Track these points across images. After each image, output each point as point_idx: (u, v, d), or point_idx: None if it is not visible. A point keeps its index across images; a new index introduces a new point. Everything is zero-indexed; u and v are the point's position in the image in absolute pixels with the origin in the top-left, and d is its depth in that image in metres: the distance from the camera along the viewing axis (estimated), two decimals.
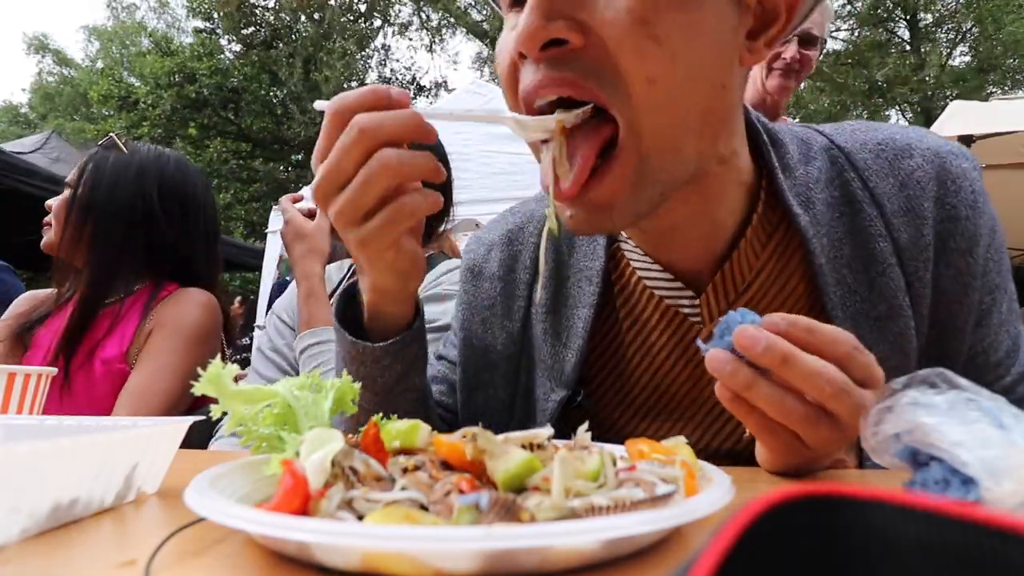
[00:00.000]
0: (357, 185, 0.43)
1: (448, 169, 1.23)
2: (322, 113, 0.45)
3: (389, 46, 15.37)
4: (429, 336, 0.94)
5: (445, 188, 1.23)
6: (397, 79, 15.82)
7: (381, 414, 0.43)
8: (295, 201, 1.11)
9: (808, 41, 1.59)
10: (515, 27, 0.45)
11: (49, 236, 1.14)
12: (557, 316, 0.60)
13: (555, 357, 0.60)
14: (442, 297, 1.04)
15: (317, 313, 1.00)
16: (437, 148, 1.21)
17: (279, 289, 4.64)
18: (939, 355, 0.53)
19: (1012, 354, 0.55)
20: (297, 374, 1.12)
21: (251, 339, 4.78)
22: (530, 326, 0.62)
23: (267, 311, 4.54)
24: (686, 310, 0.56)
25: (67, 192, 1.14)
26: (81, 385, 1.07)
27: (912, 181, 0.52)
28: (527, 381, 0.63)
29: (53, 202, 1.16)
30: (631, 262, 0.58)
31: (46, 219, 1.15)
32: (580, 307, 0.59)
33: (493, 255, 0.68)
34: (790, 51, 1.58)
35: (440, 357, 0.74)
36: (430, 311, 1.00)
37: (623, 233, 0.58)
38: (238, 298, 7.08)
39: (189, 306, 1.14)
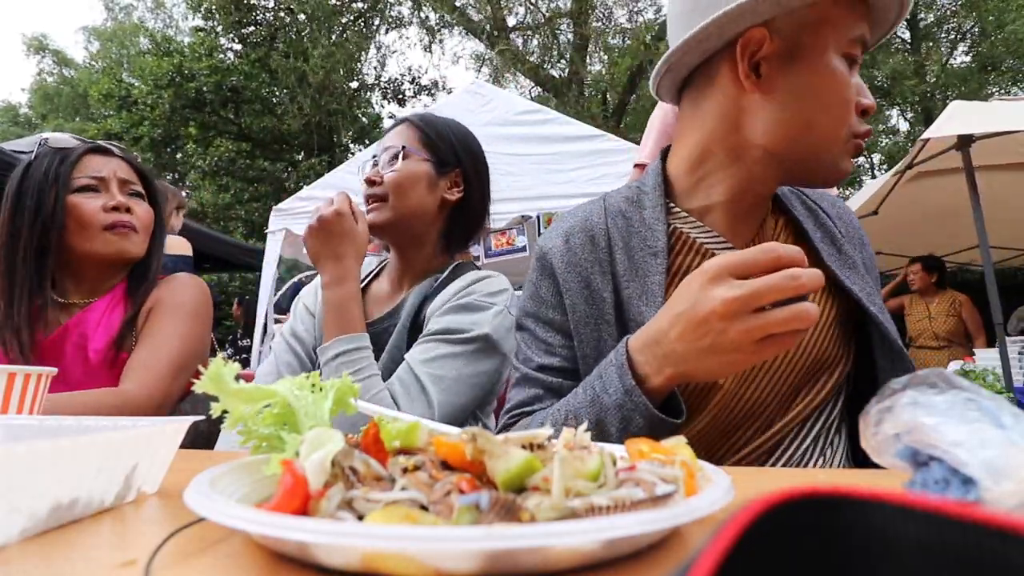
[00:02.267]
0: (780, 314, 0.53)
1: (488, 182, 1.18)
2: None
3: (387, 45, 15.35)
4: (460, 347, 0.97)
5: (482, 203, 1.16)
6: (396, 79, 15.81)
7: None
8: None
9: None
10: (855, 81, 0.70)
11: (136, 244, 1.18)
12: (637, 282, 0.75)
13: (642, 315, 0.72)
14: (474, 307, 1.01)
15: (354, 318, 0.96)
16: (477, 153, 1.16)
17: (294, 290, 4.61)
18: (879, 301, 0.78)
19: None
20: (312, 362, 1.10)
21: (252, 340, 4.77)
22: (620, 292, 0.75)
23: (267, 311, 4.55)
24: None
25: (146, 204, 1.22)
26: (79, 377, 1.08)
27: (838, 204, 0.87)
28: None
29: (141, 215, 1.19)
30: (690, 233, 0.78)
31: (127, 222, 1.15)
32: (652, 275, 0.74)
33: (574, 240, 0.80)
34: None
35: (545, 368, 0.78)
36: (462, 320, 0.99)
37: (683, 214, 0.79)
38: (236, 299, 7.07)
39: (181, 286, 1.22)
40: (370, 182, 1.09)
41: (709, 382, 0.72)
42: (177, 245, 2.86)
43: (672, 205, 0.80)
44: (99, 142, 1.22)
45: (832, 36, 0.68)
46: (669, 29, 0.79)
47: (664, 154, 0.84)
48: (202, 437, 1.11)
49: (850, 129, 0.70)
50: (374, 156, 1.14)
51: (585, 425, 0.40)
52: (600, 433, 0.63)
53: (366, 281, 1.19)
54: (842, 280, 0.75)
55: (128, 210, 1.17)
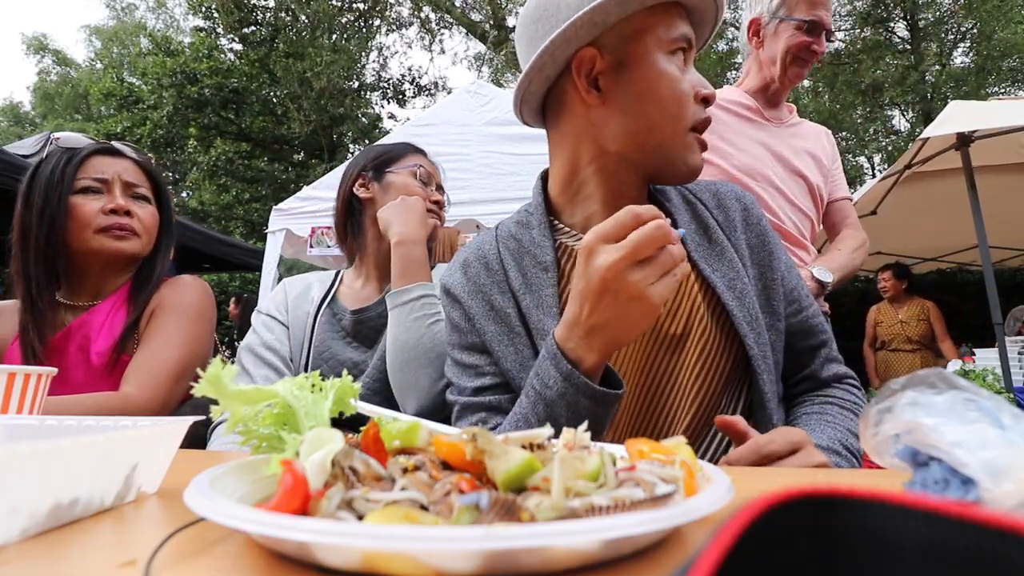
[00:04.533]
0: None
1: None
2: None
3: (388, 45, 15.34)
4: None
5: None
6: (396, 79, 15.81)
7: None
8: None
9: (822, 31, 1.61)
10: (690, 76, 0.77)
11: (134, 245, 1.18)
12: (532, 295, 0.80)
13: (542, 323, 0.78)
14: None
15: (427, 272, 1.10)
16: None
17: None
18: (766, 283, 0.83)
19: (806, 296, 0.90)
20: (290, 371, 1.13)
21: None
22: (520, 305, 0.81)
23: None
24: None
25: (151, 207, 1.22)
26: (80, 379, 1.08)
27: (721, 193, 0.89)
28: (535, 350, 0.79)
29: (145, 218, 1.19)
30: (574, 247, 0.82)
31: (126, 225, 1.15)
32: (544, 288, 0.80)
33: (471, 269, 0.85)
34: (820, 44, 1.59)
35: (481, 390, 0.82)
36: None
37: (567, 230, 0.84)
38: (233, 298, 7.05)
39: (184, 288, 1.21)
40: (439, 204, 1.26)
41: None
42: None
43: (556, 222, 0.86)
44: (107, 142, 1.22)
45: (653, 41, 0.75)
46: (520, 62, 0.85)
47: (545, 177, 0.90)
48: (202, 442, 1.11)
49: (689, 121, 0.77)
50: (420, 167, 1.25)
51: (585, 426, 0.41)
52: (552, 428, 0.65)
53: (335, 288, 1.25)
54: (702, 268, 0.80)
55: (128, 213, 1.16)
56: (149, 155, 1.29)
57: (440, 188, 1.30)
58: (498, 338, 0.81)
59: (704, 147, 0.80)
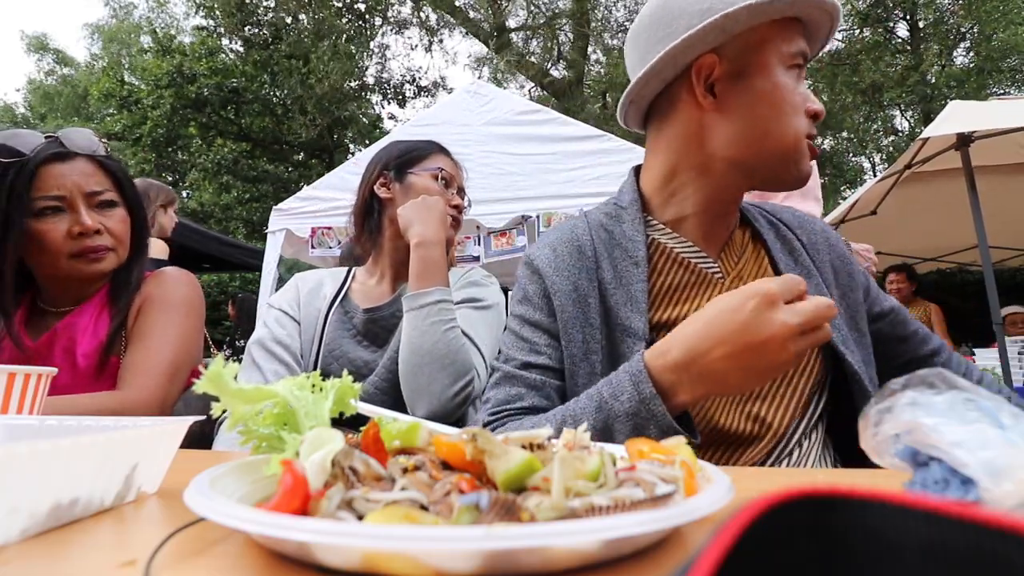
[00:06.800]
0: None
1: None
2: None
3: (388, 46, 15.33)
4: (484, 312, 1.17)
5: None
6: (396, 79, 15.81)
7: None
8: None
9: None
10: (801, 89, 0.78)
11: (111, 261, 1.10)
12: (622, 290, 0.80)
13: (629, 320, 0.78)
14: (480, 284, 1.22)
15: (446, 276, 1.09)
16: None
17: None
18: (848, 303, 0.86)
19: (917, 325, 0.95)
20: (300, 366, 1.13)
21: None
22: (606, 299, 0.81)
23: None
24: (711, 270, 0.83)
25: (119, 210, 1.13)
26: (66, 382, 1.06)
27: (800, 216, 0.94)
28: (609, 344, 0.79)
29: (115, 227, 1.11)
30: (666, 244, 0.85)
31: (99, 247, 1.07)
32: (634, 283, 0.80)
33: (561, 250, 0.86)
34: None
35: (529, 366, 0.81)
36: (477, 292, 1.18)
37: (660, 226, 0.86)
38: (231, 299, 7.03)
39: (170, 282, 1.17)
40: (459, 208, 1.26)
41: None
42: (152, 248, 2.80)
43: (648, 217, 0.87)
44: (54, 145, 1.07)
45: (774, 53, 0.77)
46: (628, 65, 0.87)
47: (636, 172, 0.92)
48: (194, 438, 1.10)
49: (802, 131, 0.78)
50: (442, 170, 1.25)
51: (585, 426, 0.40)
52: (604, 438, 0.64)
53: (347, 285, 1.25)
54: None
55: (98, 231, 1.07)
56: (104, 144, 1.14)
57: (461, 191, 1.29)
58: (573, 321, 0.80)
59: (815, 155, 0.81)
